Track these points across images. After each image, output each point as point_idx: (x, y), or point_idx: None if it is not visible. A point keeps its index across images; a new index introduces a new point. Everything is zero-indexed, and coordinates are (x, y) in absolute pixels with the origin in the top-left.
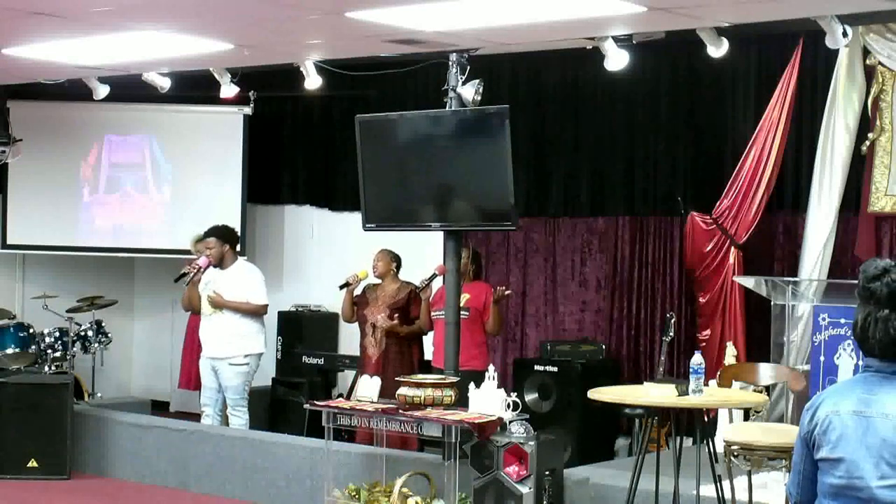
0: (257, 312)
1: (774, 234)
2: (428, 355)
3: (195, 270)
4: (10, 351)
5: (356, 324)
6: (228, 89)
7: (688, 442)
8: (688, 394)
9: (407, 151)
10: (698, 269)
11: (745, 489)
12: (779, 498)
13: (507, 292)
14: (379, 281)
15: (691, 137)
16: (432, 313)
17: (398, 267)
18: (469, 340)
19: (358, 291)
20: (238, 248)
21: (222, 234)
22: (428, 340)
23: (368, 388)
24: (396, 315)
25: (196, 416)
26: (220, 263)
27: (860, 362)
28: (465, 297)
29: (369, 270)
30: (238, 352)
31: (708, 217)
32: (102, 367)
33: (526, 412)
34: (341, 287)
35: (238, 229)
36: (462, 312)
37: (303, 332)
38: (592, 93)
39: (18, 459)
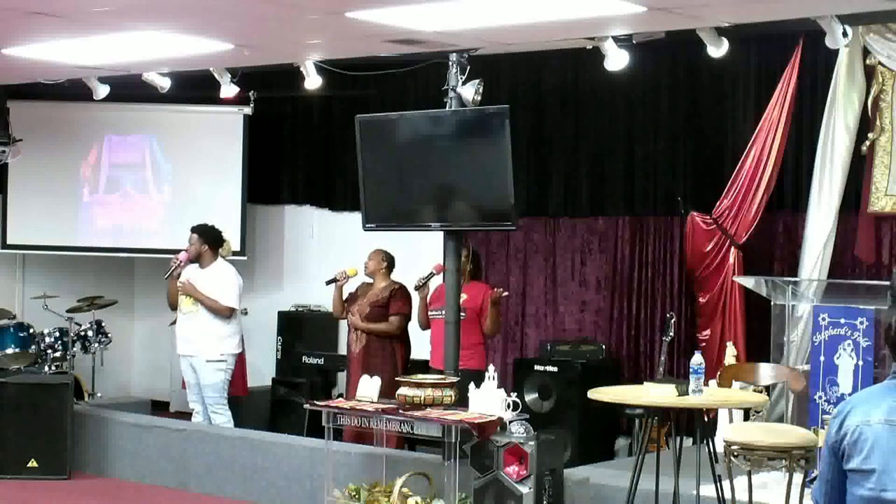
0: (222, 312)
1: (774, 234)
2: (417, 354)
3: (176, 265)
4: (10, 351)
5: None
6: (228, 89)
7: (688, 442)
8: (688, 394)
9: (407, 151)
10: (698, 269)
11: (745, 489)
12: (779, 498)
13: (504, 294)
14: (371, 280)
15: (691, 137)
16: (430, 312)
17: (389, 267)
18: (465, 340)
19: (352, 289)
20: (227, 249)
21: (204, 232)
22: (424, 339)
23: (368, 388)
24: (366, 312)
25: None
26: (199, 261)
27: (861, 363)
28: (462, 297)
29: (360, 269)
30: (214, 349)
31: (708, 217)
32: (102, 367)
33: (526, 412)
34: (328, 283)
35: (238, 229)
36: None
37: (303, 332)
38: (592, 93)
39: (18, 459)
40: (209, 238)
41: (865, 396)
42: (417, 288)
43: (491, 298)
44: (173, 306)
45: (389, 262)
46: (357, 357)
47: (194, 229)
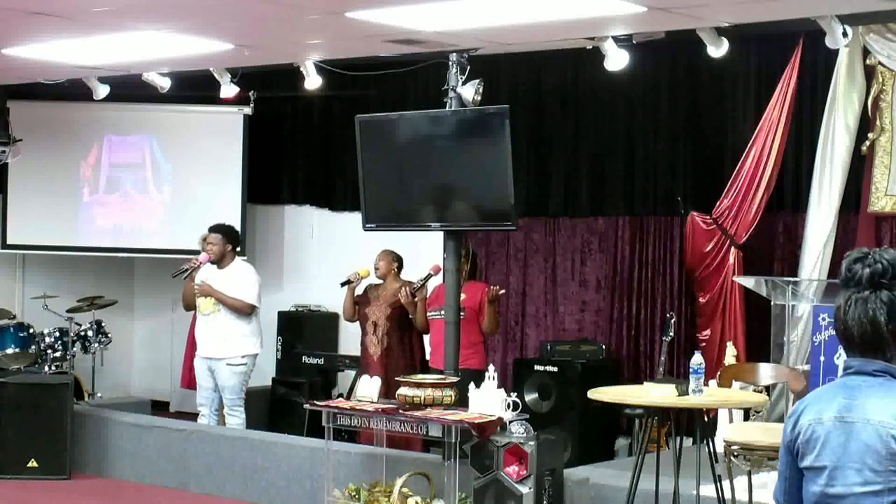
0: (244, 310)
1: (774, 234)
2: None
3: (195, 266)
4: (10, 351)
5: (356, 323)
6: (228, 89)
7: (688, 442)
8: (688, 394)
9: (407, 151)
10: (698, 269)
11: (745, 489)
12: None
13: (500, 291)
14: (380, 281)
15: (691, 137)
16: (429, 313)
17: (399, 267)
18: (464, 340)
19: (359, 291)
20: (238, 248)
21: (227, 232)
22: (426, 340)
23: (368, 388)
24: (388, 313)
25: (196, 416)
26: (219, 262)
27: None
28: (461, 297)
29: (371, 270)
30: (235, 352)
31: (708, 217)
32: (102, 367)
33: (526, 412)
34: (342, 284)
35: (238, 229)
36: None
37: (303, 332)
38: (592, 93)
39: (18, 459)
40: (231, 237)
41: (818, 395)
42: (417, 289)
43: (488, 297)
44: (189, 307)
45: (399, 262)
46: (377, 360)
47: (215, 229)
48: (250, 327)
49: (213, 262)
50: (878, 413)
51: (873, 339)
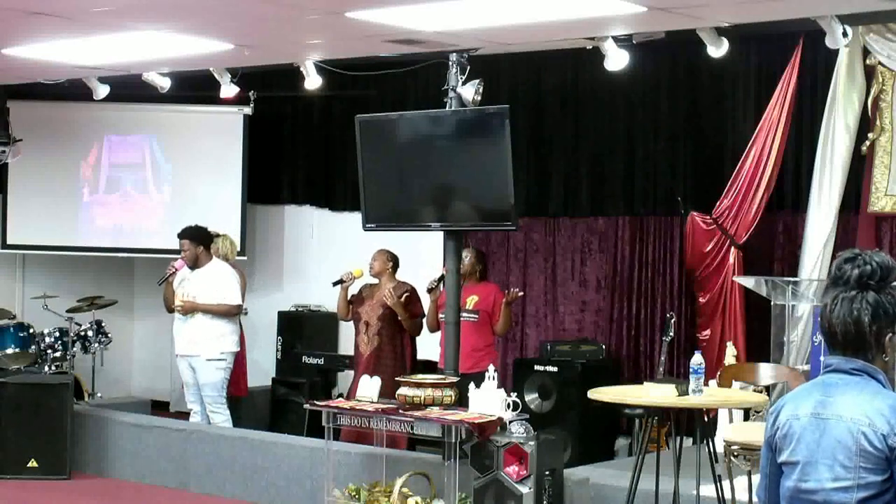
0: (230, 313)
1: (774, 234)
2: (422, 354)
3: (171, 272)
4: (10, 351)
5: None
6: (228, 89)
7: (688, 442)
8: (688, 394)
9: (407, 151)
10: (698, 269)
11: (745, 489)
12: None
13: (520, 294)
14: (376, 281)
15: (691, 137)
16: (440, 315)
17: (395, 267)
18: (480, 342)
19: (354, 290)
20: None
21: (194, 235)
22: (427, 340)
23: (368, 388)
24: (379, 313)
25: None
26: (194, 264)
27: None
28: (474, 299)
29: (365, 270)
30: (215, 348)
31: (708, 217)
32: (102, 367)
33: (526, 412)
34: (335, 284)
35: (238, 229)
36: (472, 315)
37: (303, 332)
38: (592, 93)
39: (18, 459)
40: (201, 239)
41: (798, 392)
42: (430, 290)
43: (506, 300)
44: (171, 309)
45: (395, 262)
46: (367, 358)
47: (183, 234)
48: (228, 326)
49: (189, 267)
50: (851, 410)
51: (856, 339)
